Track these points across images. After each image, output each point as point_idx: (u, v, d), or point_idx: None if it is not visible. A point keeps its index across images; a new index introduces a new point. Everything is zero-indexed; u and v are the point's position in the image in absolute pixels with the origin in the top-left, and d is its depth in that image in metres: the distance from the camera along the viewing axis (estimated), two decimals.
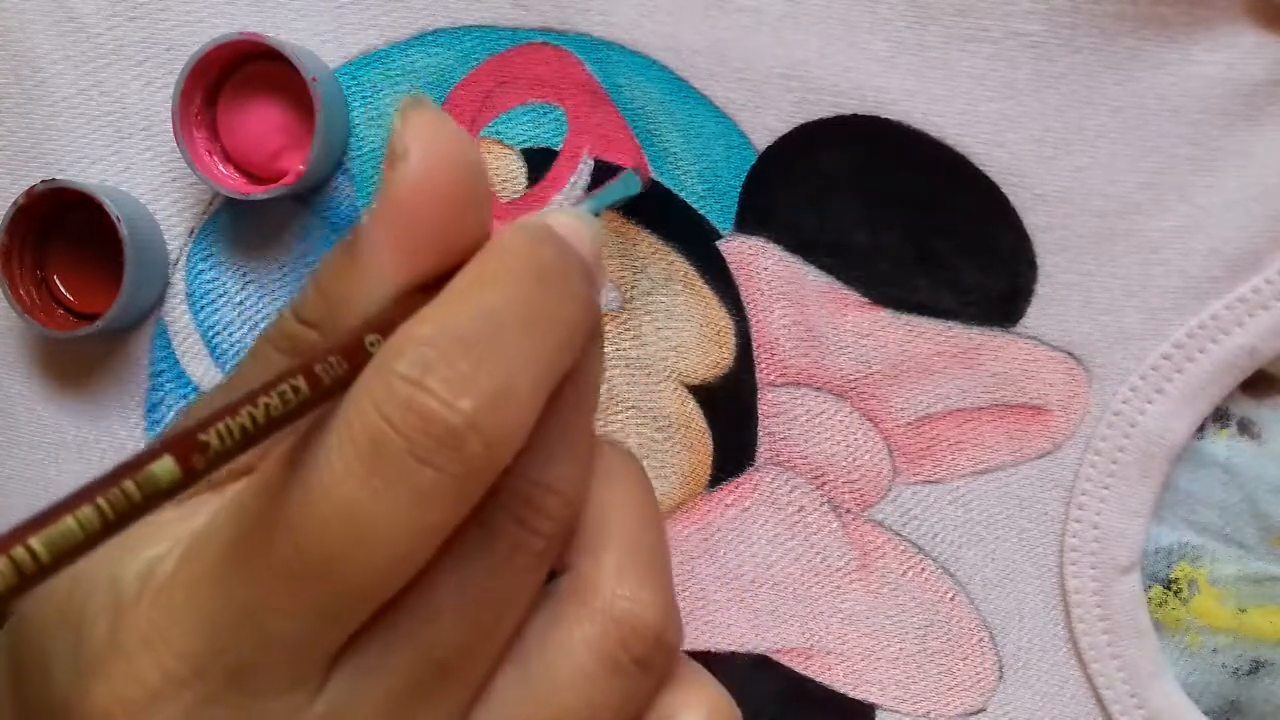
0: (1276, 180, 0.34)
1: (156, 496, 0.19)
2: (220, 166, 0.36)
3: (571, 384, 0.23)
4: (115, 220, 0.35)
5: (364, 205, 0.37)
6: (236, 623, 0.21)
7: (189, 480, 0.19)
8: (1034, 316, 0.35)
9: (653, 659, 0.24)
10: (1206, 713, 0.35)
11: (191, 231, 0.38)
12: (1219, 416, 0.35)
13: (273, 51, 0.35)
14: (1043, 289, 0.35)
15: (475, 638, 0.22)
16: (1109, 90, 0.34)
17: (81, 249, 0.37)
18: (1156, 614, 0.36)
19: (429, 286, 0.22)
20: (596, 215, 0.25)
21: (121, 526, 0.19)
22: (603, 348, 0.24)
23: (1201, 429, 0.35)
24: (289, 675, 0.21)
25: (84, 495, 0.18)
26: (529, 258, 0.22)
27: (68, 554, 0.18)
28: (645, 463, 0.37)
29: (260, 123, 0.36)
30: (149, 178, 0.37)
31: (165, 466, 0.19)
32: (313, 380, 0.21)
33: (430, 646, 0.22)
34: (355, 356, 0.21)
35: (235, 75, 0.36)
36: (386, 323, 0.21)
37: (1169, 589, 0.36)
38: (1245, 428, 0.35)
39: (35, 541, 0.18)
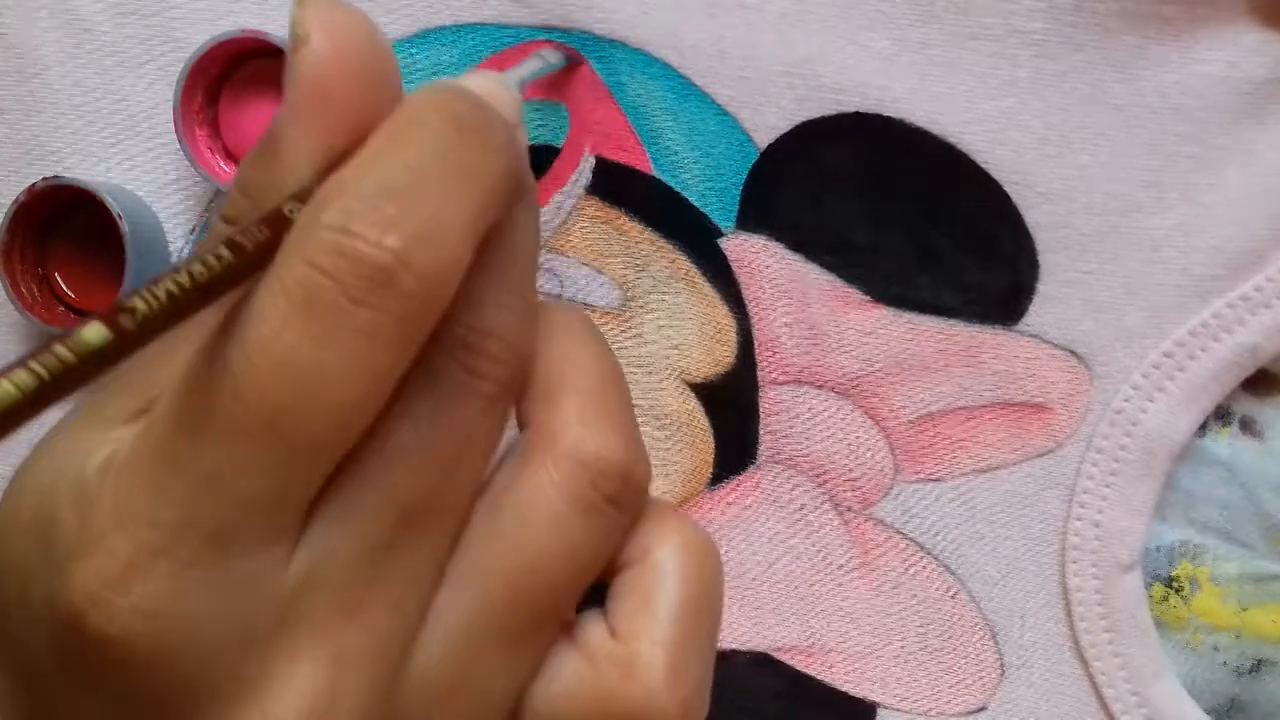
0: (1278, 179, 0.34)
1: (89, 359, 0.19)
2: (222, 164, 0.36)
3: (502, 239, 0.23)
4: (117, 217, 0.35)
5: None
6: (201, 487, 0.21)
7: (121, 343, 0.19)
8: (1036, 315, 0.35)
9: (623, 496, 0.24)
10: (1208, 711, 0.35)
11: (193, 229, 0.38)
12: (1221, 415, 0.35)
13: (274, 49, 0.35)
14: (1044, 287, 0.35)
15: (437, 482, 0.23)
16: (1111, 88, 0.34)
17: (83, 246, 0.37)
18: (1158, 612, 0.35)
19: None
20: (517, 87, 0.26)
21: (58, 390, 0.19)
22: (535, 212, 0.24)
23: (1203, 427, 0.35)
24: (263, 532, 0.21)
25: (19, 362, 0.18)
26: (444, 109, 0.22)
27: (7, 415, 0.18)
28: None
29: (262, 120, 0.36)
30: (151, 175, 0.37)
31: (94, 329, 0.19)
32: (235, 248, 0.21)
33: (395, 491, 0.22)
34: (278, 225, 0.21)
35: (237, 73, 0.36)
36: (307, 194, 0.21)
37: (1171, 587, 0.36)
38: (1247, 426, 0.35)
39: None
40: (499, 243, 0.23)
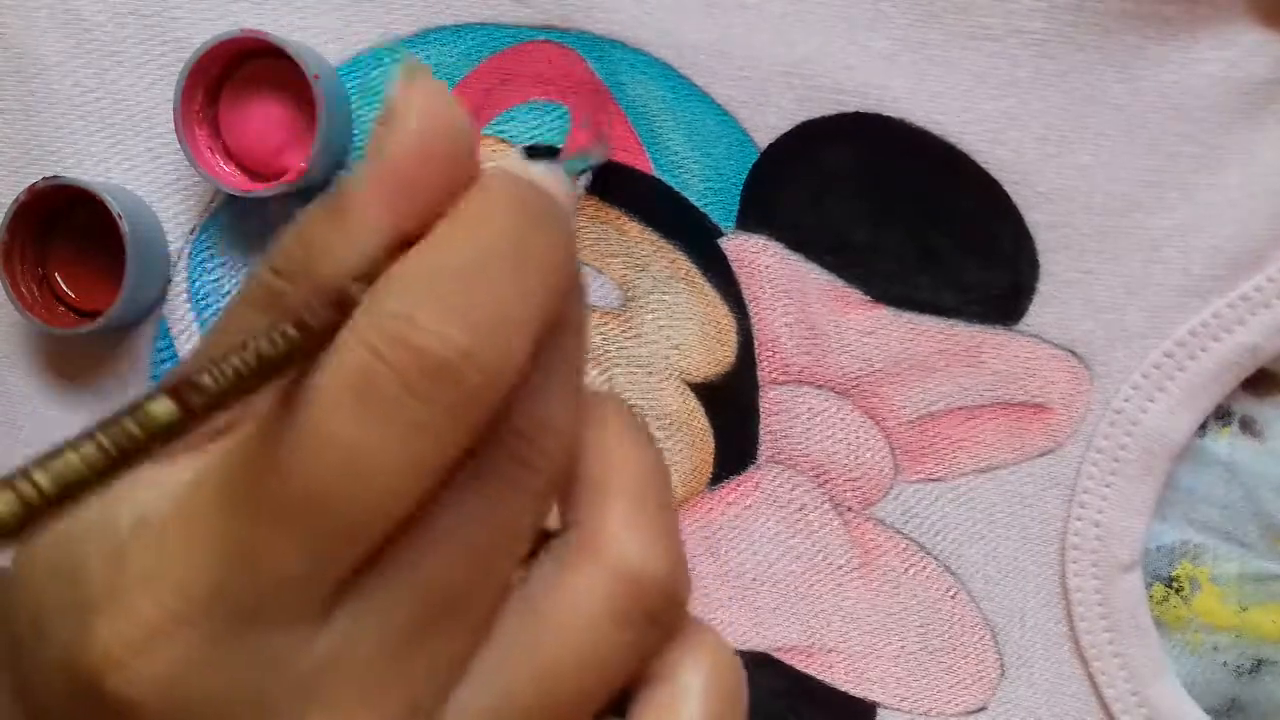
0: (1278, 179, 0.34)
1: (156, 435, 0.19)
2: (222, 164, 0.36)
3: (559, 330, 0.23)
4: (117, 218, 0.35)
5: None
6: (234, 560, 0.21)
7: (187, 419, 0.19)
8: (1036, 314, 0.35)
9: (663, 613, 0.24)
10: (1208, 711, 0.35)
11: (193, 229, 0.38)
12: (1221, 415, 0.35)
13: (274, 49, 0.35)
14: (1044, 287, 0.35)
15: (475, 575, 0.22)
16: (1111, 88, 0.34)
17: (83, 246, 0.37)
18: (1158, 612, 0.36)
19: (413, 244, 0.22)
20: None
21: (124, 465, 0.19)
22: (586, 298, 0.24)
23: (1203, 427, 0.35)
24: (291, 612, 0.21)
25: (86, 435, 0.19)
26: (515, 197, 0.22)
27: (71, 487, 0.18)
28: None
29: (262, 120, 0.36)
30: (151, 175, 0.37)
31: (163, 405, 0.19)
32: (301, 326, 0.21)
33: (431, 583, 0.22)
34: (343, 304, 0.21)
35: (237, 73, 0.36)
36: (373, 273, 0.21)
37: (1170, 587, 0.36)
38: (1247, 426, 0.35)
39: (39, 475, 0.18)
40: (556, 335, 0.23)
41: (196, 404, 0.19)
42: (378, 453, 0.20)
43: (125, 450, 0.19)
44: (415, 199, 0.22)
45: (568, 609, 0.23)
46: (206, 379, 0.20)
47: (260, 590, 0.21)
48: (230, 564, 0.21)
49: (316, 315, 0.21)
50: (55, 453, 0.18)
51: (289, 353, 0.21)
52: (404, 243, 0.22)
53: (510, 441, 0.22)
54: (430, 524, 0.22)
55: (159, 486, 0.22)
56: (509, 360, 0.21)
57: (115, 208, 0.35)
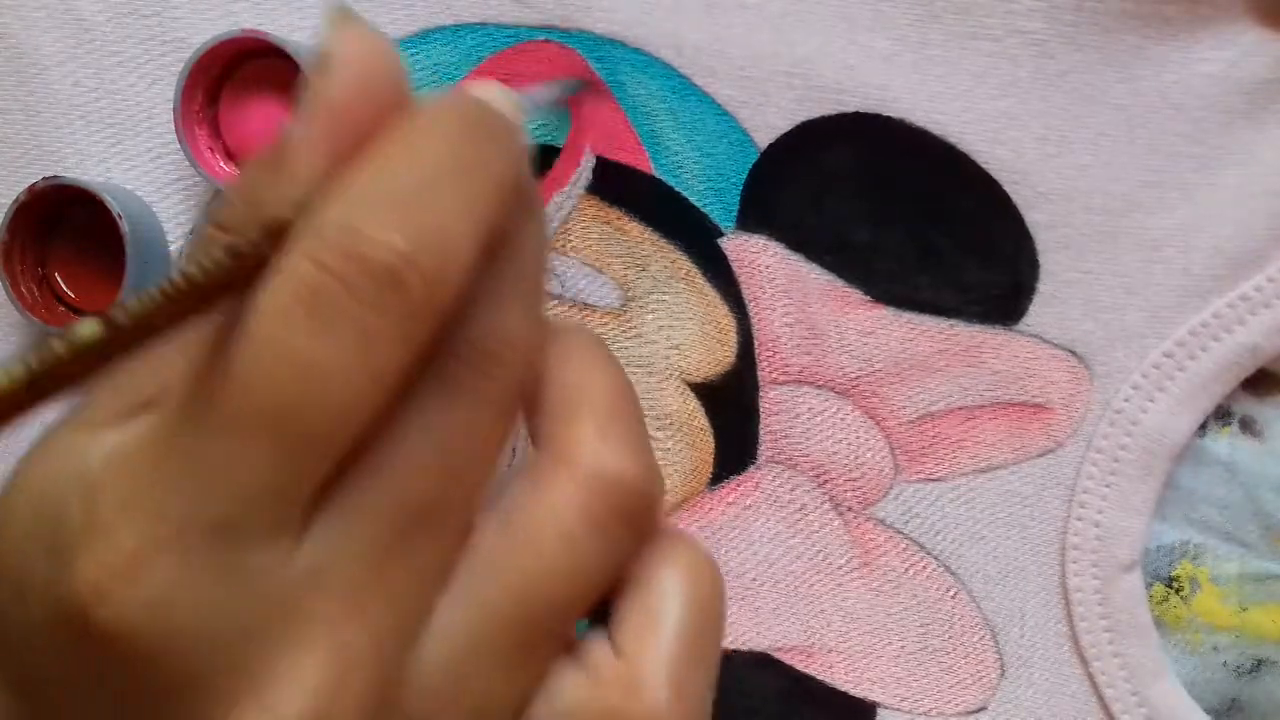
0: (1278, 179, 0.34)
1: (81, 353, 0.19)
2: (222, 164, 0.36)
3: (510, 245, 0.23)
4: (117, 217, 0.35)
5: None
6: (205, 479, 0.21)
7: (112, 339, 0.20)
8: (1036, 314, 0.35)
9: (638, 517, 0.24)
10: (1208, 711, 0.35)
11: (193, 229, 0.38)
12: (1221, 414, 0.35)
13: (274, 49, 0.35)
14: (1044, 287, 0.35)
15: (447, 483, 0.23)
16: (1111, 88, 0.34)
17: (83, 246, 0.37)
18: (1158, 612, 0.36)
19: None
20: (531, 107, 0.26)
21: (52, 384, 0.19)
22: (542, 221, 0.24)
23: (1203, 427, 0.35)
24: (267, 525, 0.22)
25: (14, 358, 0.19)
26: (454, 113, 0.22)
27: (2, 406, 0.19)
28: None
29: (262, 120, 0.36)
30: (151, 175, 0.37)
31: (87, 324, 0.19)
32: (234, 252, 0.21)
33: (404, 491, 0.22)
34: (281, 236, 0.21)
35: (237, 73, 0.36)
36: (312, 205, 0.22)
37: (1170, 587, 0.36)
38: (1247, 426, 0.35)
39: None
40: (507, 249, 0.23)
41: (121, 321, 0.20)
42: (332, 360, 0.21)
43: (51, 368, 0.19)
44: (353, 138, 0.22)
45: (543, 518, 0.23)
46: (133, 302, 0.20)
47: (234, 506, 0.21)
48: (201, 483, 0.21)
49: (251, 243, 0.21)
50: None
51: (221, 277, 0.21)
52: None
53: (466, 351, 0.22)
54: (396, 436, 0.22)
55: (124, 431, 0.23)
56: (453, 265, 0.21)
57: (115, 208, 0.35)
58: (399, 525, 0.22)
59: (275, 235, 0.21)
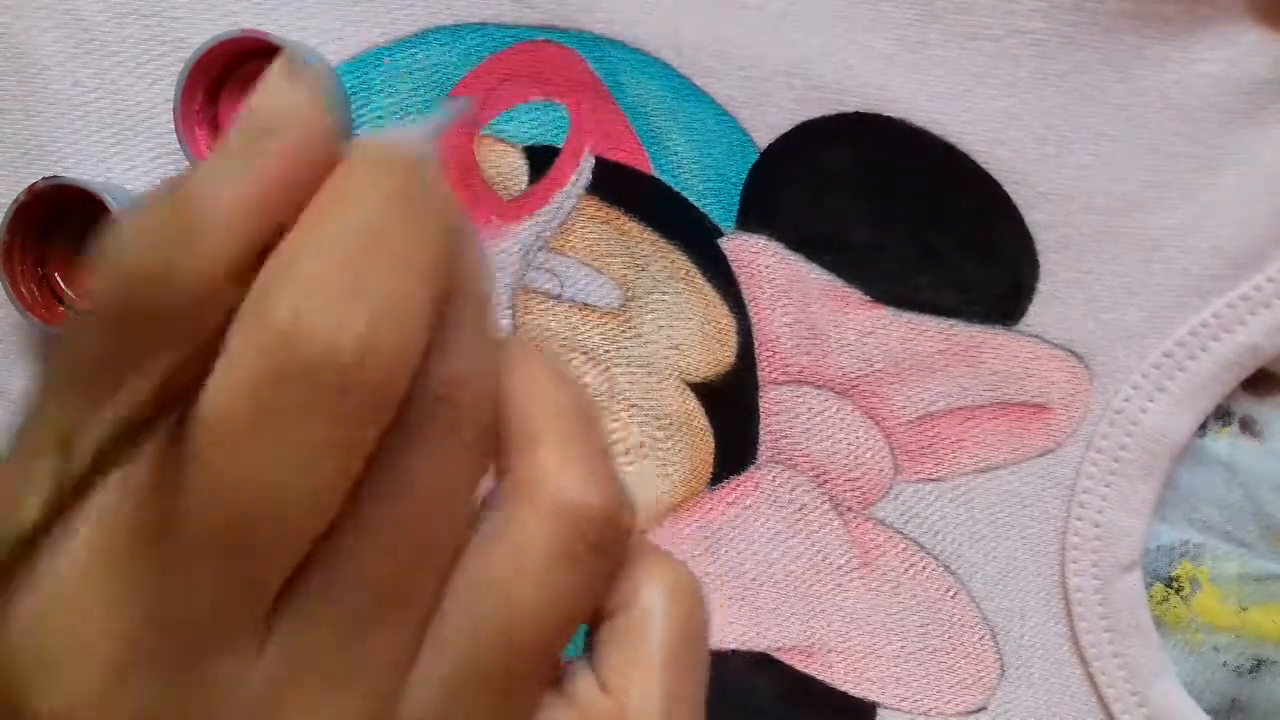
0: (1278, 179, 0.34)
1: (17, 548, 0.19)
2: None
3: (456, 284, 0.22)
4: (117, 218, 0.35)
5: None
6: (162, 607, 0.20)
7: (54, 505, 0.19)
8: (1036, 314, 0.35)
9: (608, 543, 0.23)
10: (1208, 711, 0.35)
11: None
12: (1221, 414, 0.35)
13: (274, 49, 0.35)
14: (1044, 287, 0.35)
15: (416, 555, 0.22)
16: (1111, 88, 0.34)
17: (83, 246, 0.37)
18: (1158, 612, 0.35)
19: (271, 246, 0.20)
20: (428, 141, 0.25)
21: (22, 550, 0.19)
22: (477, 244, 0.23)
23: (1203, 427, 0.35)
24: (231, 638, 0.21)
25: None
26: (380, 181, 0.21)
27: None
28: (647, 461, 0.37)
29: None
30: (151, 175, 0.37)
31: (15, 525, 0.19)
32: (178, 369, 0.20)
33: (368, 572, 0.21)
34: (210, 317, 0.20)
35: (237, 73, 0.36)
36: (242, 276, 0.20)
37: (1170, 587, 0.36)
38: (1247, 426, 0.35)
39: None
40: (455, 290, 0.22)
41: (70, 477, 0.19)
42: (289, 473, 0.19)
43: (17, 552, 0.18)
44: (285, 206, 0.20)
45: (512, 558, 0.22)
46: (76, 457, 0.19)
47: (195, 626, 0.21)
48: (160, 608, 0.20)
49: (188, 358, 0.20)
50: None
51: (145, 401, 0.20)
52: (266, 246, 0.20)
53: (426, 409, 0.21)
54: (359, 517, 0.21)
55: (59, 561, 0.21)
56: (409, 340, 0.20)
57: (115, 207, 0.35)
58: (370, 605, 0.22)
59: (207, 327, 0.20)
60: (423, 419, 0.21)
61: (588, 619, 0.24)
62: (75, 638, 0.21)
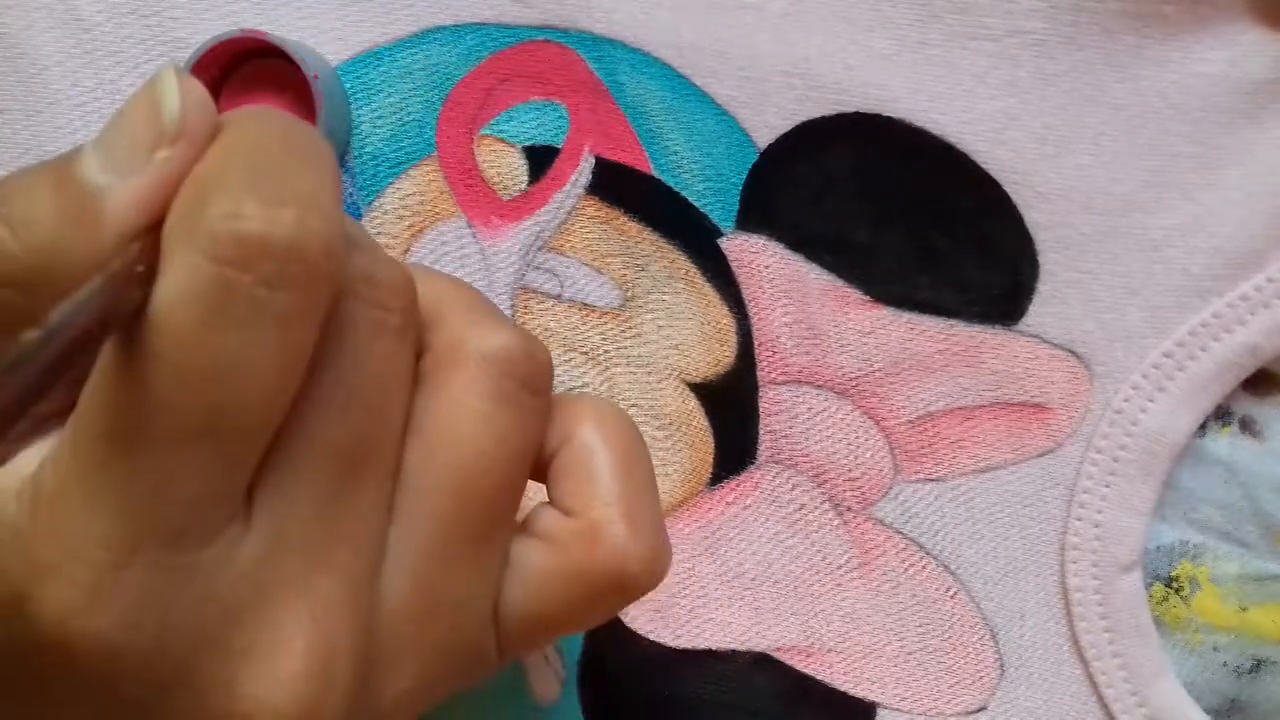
0: (1278, 179, 0.34)
1: None
2: None
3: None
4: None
5: (367, 203, 0.37)
6: (147, 497, 0.21)
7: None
8: (1035, 314, 0.35)
9: (534, 379, 0.25)
10: (1208, 711, 0.35)
11: None
12: (1220, 415, 0.35)
13: (274, 49, 0.35)
14: (1044, 287, 0.35)
15: (370, 423, 0.23)
16: (1111, 88, 0.34)
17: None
18: (1158, 612, 0.36)
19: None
20: None
21: None
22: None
23: (1203, 427, 0.35)
24: (216, 519, 0.22)
25: None
26: (261, 114, 0.23)
27: None
28: None
29: None
30: None
31: None
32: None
33: (331, 443, 0.23)
34: (132, 275, 0.21)
35: (237, 73, 0.36)
36: (144, 245, 0.21)
37: (1170, 587, 0.36)
38: (1247, 426, 0.35)
39: None
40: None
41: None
42: (254, 352, 0.21)
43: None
44: (171, 194, 0.22)
45: (450, 413, 0.24)
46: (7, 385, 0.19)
47: (180, 515, 0.21)
48: (143, 502, 0.21)
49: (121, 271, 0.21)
50: None
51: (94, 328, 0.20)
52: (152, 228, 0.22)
53: (358, 290, 0.23)
54: (313, 391, 0.22)
55: (29, 465, 0.22)
56: (335, 225, 0.21)
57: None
58: (337, 474, 0.23)
59: (131, 278, 0.21)
60: (354, 299, 0.23)
61: (533, 456, 0.26)
62: (64, 542, 0.21)
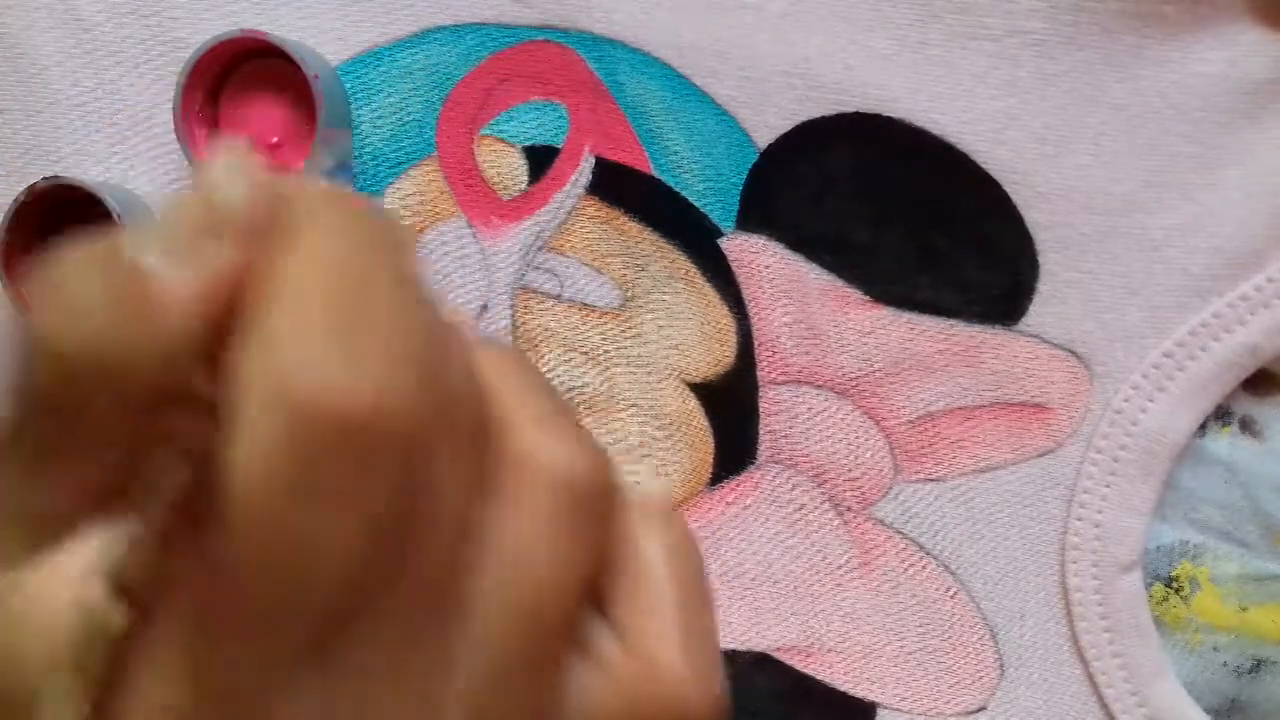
0: (1278, 179, 0.34)
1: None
2: None
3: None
4: (117, 218, 0.35)
5: None
6: (214, 682, 0.21)
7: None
8: (1035, 314, 0.35)
9: (601, 502, 0.24)
10: (1208, 711, 0.35)
11: None
12: (1220, 415, 0.35)
13: (275, 49, 0.35)
14: (1044, 287, 0.35)
15: (449, 566, 0.22)
16: (1111, 88, 0.34)
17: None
18: (1158, 612, 0.35)
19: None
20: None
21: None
22: (425, 271, 0.23)
23: (1203, 427, 0.35)
24: (283, 686, 0.21)
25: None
26: (338, 223, 0.21)
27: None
28: (646, 461, 0.37)
29: (262, 120, 0.36)
30: (151, 175, 0.37)
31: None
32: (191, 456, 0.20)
33: (415, 600, 0.22)
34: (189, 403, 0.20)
35: (237, 73, 0.36)
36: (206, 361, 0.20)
37: (1170, 587, 0.36)
38: (1247, 426, 0.35)
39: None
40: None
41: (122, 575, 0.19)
42: (330, 537, 0.19)
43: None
44: (232, 298, 0.20)
45: (522, 535, 0.23)
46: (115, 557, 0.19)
47: (249, 689, 0.21)
48: (214, 689, 0.21)
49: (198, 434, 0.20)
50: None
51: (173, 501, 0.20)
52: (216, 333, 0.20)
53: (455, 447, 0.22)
54: (394, 553, 0.21)
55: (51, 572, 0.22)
56: (423, 382, 0.20)
57: (116, 208, 0.35)
58: (416, 627, 0.22)
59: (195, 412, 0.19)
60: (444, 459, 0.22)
61: (595, 572, 0.25)
62: (125, 689, 0.21)
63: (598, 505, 0.24)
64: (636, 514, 0.26)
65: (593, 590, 0.25)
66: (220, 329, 0.20)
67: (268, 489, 0.19)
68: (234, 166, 0.20)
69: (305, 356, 0.19)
